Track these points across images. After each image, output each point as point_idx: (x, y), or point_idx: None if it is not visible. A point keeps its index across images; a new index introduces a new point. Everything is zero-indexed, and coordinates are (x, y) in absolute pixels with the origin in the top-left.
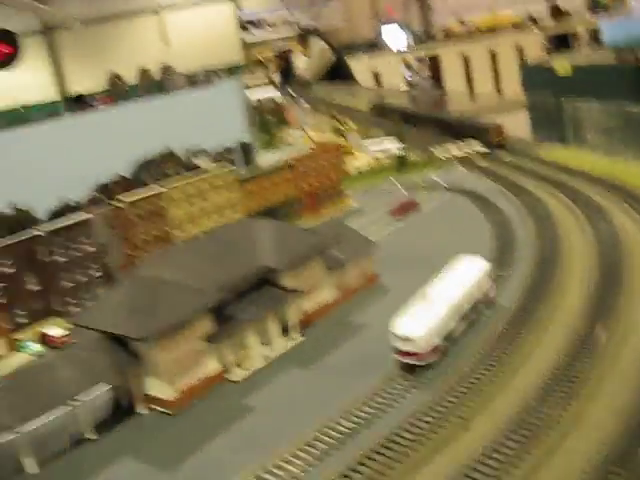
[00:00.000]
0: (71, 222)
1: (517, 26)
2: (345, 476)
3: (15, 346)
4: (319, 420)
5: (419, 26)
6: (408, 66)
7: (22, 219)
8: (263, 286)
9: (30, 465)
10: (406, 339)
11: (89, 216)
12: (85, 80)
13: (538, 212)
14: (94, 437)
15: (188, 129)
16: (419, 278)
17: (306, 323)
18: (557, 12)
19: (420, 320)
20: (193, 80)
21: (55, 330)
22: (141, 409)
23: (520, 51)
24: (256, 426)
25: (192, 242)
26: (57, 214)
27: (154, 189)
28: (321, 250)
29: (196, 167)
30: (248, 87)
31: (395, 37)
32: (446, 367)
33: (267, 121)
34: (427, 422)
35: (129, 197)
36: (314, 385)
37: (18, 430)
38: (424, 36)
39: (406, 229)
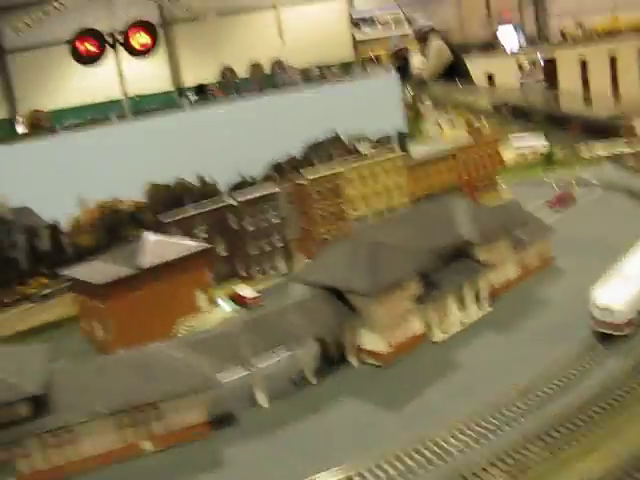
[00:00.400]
0: (260, 194)
1: None
2: (548, 434)
3: (213, 302)
4: (519, 380)
5: (534, 28)
6: (522, 68)
7: (208, 191)
8: (460, 258)
9: (262, 399)
10: (606, 309)
11: (276, 189)
12: (198, 72)
13: None
14: (314, 381)
15: (350, 116)
16: (593, 262)
17: (493, 295)
18: None
19: (619, 293)
20: (306, 75)
21: (246, 291)
22: (352, 360)
23: None
24: (460, 380)
25: (399, 215)
26: (236, 188)
27: (333, 169)
28: (511, 229)
29: (358, 152)
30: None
31: (509, 39)
32: None
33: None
34: (628, 388)
35: (310, 175)
36: (509, 350)
37: (254, 366)
38: (539, 38)
39: (567, 220)
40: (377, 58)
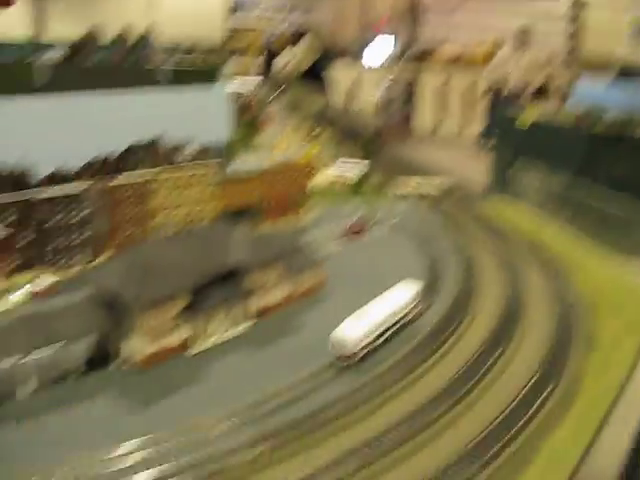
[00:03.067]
0: (68, 191)
1: None
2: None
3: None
4: (256, 392)
5: (405, 43)
6: (384, 82)
7: (20, 179)
8: (230, 280)
9: (23, 392)
10: (341, 341)
11: (85, 187)
12: (63, 27)
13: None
14: (79, 376)
15: (175, 124)
16: (359, 293)
17: (261, 315)
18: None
19: (353, 329)
20: (171, 53)
21: (43, 281)
22: (116, 362)
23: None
24: (205, 389)
25: (181, 234)
26: (50, 181)
27: (142, 174)
28: (281, 258)
29: (177, 161)
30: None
31: (379, 50)
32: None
33: (244, 121)
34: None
35: (120, 178)
36: (257, 365)
37: (24, 358)
38: (408, 55)
39: (354, 250)
40: (246, 49)
